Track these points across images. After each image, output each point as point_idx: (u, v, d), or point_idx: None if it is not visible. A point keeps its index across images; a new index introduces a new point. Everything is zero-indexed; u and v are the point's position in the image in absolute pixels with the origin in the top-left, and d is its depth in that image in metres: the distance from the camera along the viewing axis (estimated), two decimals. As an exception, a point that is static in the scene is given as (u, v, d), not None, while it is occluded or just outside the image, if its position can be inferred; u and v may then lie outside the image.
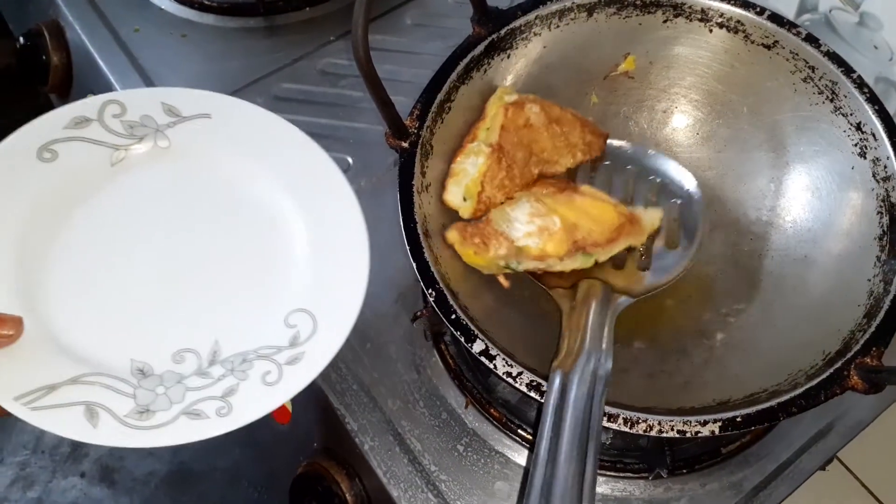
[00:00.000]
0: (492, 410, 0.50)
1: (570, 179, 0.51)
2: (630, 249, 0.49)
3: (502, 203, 0.49)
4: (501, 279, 0.49)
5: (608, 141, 0.53)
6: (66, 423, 0.38)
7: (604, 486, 0.48)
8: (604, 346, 0.43)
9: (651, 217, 0.50)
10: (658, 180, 0.52)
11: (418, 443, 0.50)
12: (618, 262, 0.48)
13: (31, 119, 0.47)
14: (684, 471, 0.49)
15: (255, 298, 0.45)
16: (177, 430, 0.39)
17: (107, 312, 0.43)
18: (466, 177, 0.49)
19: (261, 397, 0.40)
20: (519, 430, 0.50)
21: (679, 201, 0.51)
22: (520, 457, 0.49)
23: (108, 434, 0.39)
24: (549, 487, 0.35)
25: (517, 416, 0.51)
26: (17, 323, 0.40)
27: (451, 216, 0.49)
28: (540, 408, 0.39)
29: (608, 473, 0.49)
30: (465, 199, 0.48)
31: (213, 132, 0.48)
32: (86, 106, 0.47)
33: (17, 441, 1.35)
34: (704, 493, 0.48)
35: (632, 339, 0.49)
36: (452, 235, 0.47)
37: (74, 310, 0.43)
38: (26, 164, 0.45)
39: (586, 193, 0.49)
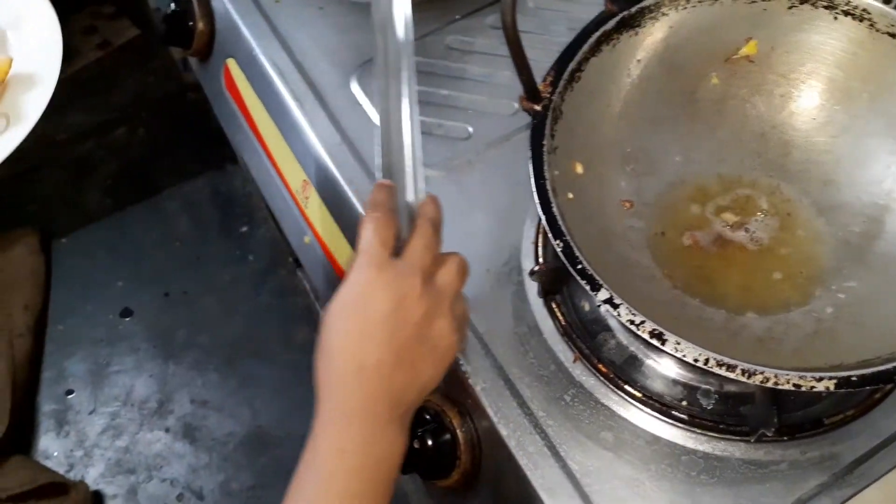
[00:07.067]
0: (599, 366, 0.53)
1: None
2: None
3: None
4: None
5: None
6: None
7: (705, 445, 0.50)
8: None
9: None
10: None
11: (528, 389, 0.53)
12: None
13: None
14: (785, 438, 0.50)
15: None
16: None
17: None
18: None
19: None
20: (626, 386, 0.52)
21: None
22: (625, 411, 0.52)
23: None
24: None
25: (623, 375, 0.53)
26: None
27: (576, 181, 0.52)
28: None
29: (710, 434, 0.51)
30: None
31: None
32: None
33: (109, 393, 1.44)
34: (804, 459, 0.49)
35: (743, 310, 0.51)
36: None
37: None
38: None
39: None
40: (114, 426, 1.40)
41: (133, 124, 1.71)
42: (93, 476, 1.35)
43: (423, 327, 0.44)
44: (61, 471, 1.34)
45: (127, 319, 1.51)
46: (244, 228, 1.60)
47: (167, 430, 1.40)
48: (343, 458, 0.42)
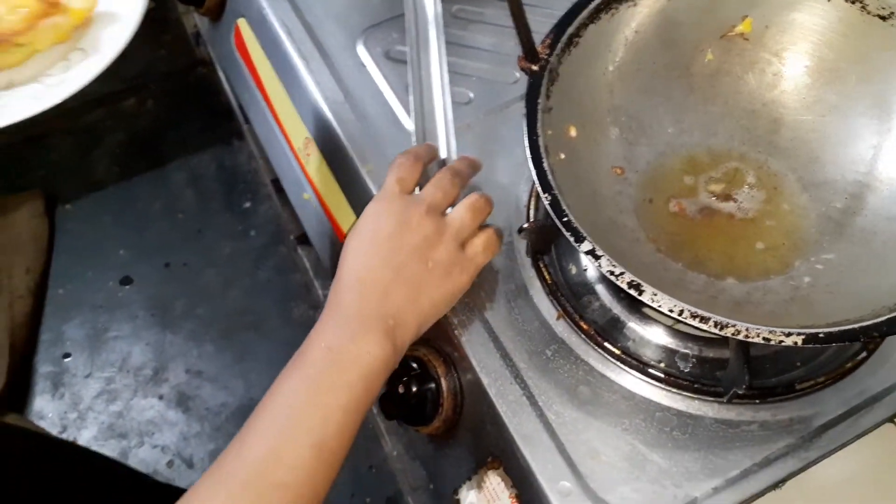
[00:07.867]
0: (581, 323, 0.54)
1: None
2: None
3: None
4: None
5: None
6: None
7: (680, 403, 0.52)
8: None
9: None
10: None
11: (511, 343, 0.54)
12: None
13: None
14: (757, 401, 0.52)
15: None
16: None
17: None
18: None
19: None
20: (605, 343, 0.53)
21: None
22: (604, 368, 0.53)
23: None
24: None
25: (604, 334, 0.55)
26: None
27: (568, 143, 0.54)
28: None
29: (685, 393, 0.52)
30: None
31: None
32: None
33: (105, 358, 1.46)
34: (774, 421, 0.51)
35: (724, 276, 0.53)
36: None
37: None
38: None
39: None
40: (108, 391, 1.42)
41: (142, 96, 1.73)
42: (85, 438, 1.36)
43: (423, 250, 0.48)
44: (54, 431, 1.35)
45: (127, 287, 1.53)
46: (247, 204, 1.62)
47: (161, 398, 1.41)
48: (328, 353, 0.45)
